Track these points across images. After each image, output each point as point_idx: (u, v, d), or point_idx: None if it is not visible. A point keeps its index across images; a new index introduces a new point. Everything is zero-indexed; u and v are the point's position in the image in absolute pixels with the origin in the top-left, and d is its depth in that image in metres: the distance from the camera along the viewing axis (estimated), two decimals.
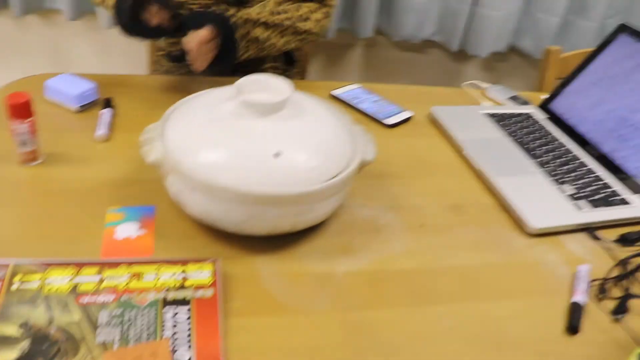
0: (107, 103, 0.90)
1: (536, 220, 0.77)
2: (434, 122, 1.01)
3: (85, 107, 0.89)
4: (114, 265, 0.60)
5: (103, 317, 0.55)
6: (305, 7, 0.99)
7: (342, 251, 0.70)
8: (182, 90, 0.98)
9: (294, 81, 0.73)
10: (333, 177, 0.64)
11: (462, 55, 1.77)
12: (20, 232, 0.66)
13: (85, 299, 0.56)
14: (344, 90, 1.06)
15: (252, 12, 0.94)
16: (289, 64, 1.13)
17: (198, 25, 0.87)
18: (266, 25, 0.94)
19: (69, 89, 0.88)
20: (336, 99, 1.04)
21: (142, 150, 0.66)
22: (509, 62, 1.84)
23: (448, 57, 1.82)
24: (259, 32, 0.93)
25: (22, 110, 0.71)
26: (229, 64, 0.93)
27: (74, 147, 0.81)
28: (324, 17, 1.01)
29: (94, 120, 0.87)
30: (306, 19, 0.98)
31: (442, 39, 1.70)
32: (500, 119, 1.02)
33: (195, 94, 0.75)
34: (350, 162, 0.67)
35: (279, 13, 0.96)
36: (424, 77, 1.86)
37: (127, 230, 0.68)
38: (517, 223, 0.78)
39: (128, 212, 0.71)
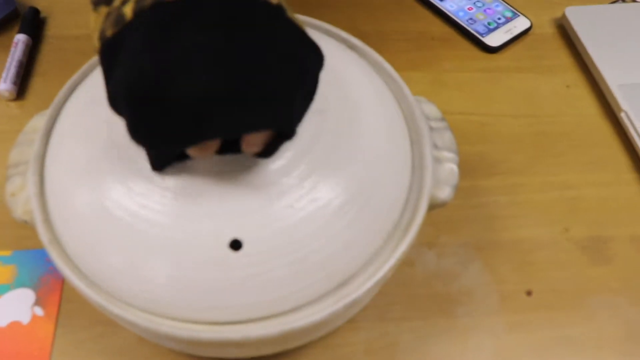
0: (30, 20, 0.56)
1: None
2: (568, 38, 0.60)
3: None
4: None
5: None
6: None
7: None
8: None
9: None
10: (360, 268, 0.32)
11: None
12: None
13: None
14: None
15: None
16: None
17: None
18: None
19: None
20: None
21: (5, 191, 0.35)
22: None
23: None
24: None
25: None
26: None
27: None
28: None
29: (7, 53, 0.55)
30: None
31: None
32: None
33: None
34: (403, 226, 0.33)
35: None
36: None
37: (17, 306, 0.40)
38: None
39: (22, 264, 0.42)
